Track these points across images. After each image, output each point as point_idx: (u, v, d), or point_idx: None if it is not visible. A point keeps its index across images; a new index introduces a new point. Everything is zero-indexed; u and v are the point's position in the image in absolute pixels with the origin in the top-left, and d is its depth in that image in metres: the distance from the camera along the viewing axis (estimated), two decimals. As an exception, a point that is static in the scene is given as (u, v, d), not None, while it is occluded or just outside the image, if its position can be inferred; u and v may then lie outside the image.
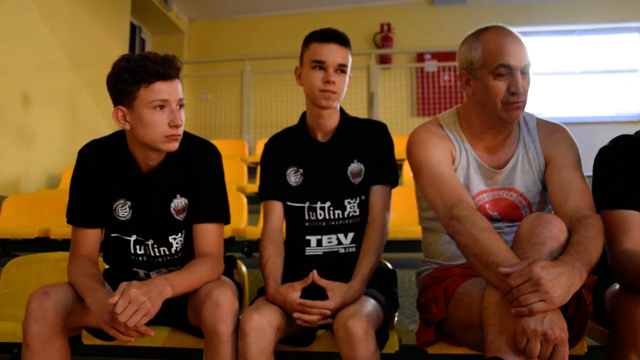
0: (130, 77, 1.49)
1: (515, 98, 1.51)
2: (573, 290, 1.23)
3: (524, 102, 1.54)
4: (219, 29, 8.24)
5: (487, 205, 1.63)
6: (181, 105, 1.56)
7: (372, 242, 1.72)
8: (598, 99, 7.20)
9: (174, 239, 1.67)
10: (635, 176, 1.52)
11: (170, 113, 1.53)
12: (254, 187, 1.77)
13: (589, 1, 7.55)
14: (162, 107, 1.51)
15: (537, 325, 1.18)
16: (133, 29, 7.55)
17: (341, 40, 1.74)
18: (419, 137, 1.65)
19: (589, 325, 1.67)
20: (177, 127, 1.53)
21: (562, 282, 1.20)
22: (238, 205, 3.16)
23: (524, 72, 1.52)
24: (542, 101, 7.07)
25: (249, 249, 3.25)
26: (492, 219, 1.59)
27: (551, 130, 1.65)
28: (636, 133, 1.62)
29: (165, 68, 1.51)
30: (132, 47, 7.38)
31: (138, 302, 1.33)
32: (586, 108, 7.25)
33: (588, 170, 1.59)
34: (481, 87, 1.55)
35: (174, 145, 1.56)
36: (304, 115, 1.87)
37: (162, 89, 1.51)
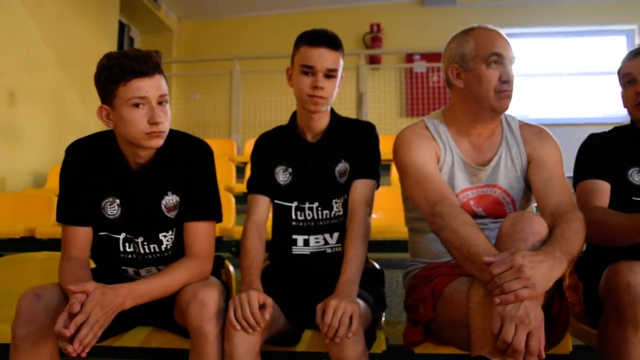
0: (108, 76, 1.48)
1: (506, 86, 1.59)
2: (554, 278, 1.26)
3: (512, 93, 1.61)
4: (209, 28, 8.20)
5: (471, 202, 1.66)
6: (163, 102, 1.53)
7: (356, 233, 1.68)
8: (585, 100, 7.25)
9: (165, 236, 1.66)
10: (613, 155, 1.76)
11: (149, 110, 1.50)
12: (242, 187, 1.77)
13: (577, 3, 7.61)
14: (141, 104, 1.49)
15: (512, 309, 1.19)
16: (122, 27, 7.50)
17: (331, 43, 1.72)
18: (404, 138, 1.68)
19: (574, 324, 1.70)
20: (157, 124, 1.51)
21: (542, 269, 1.23)
22: (226, 205, 3.15)
23: (511, 65, 1.61)
24: (530, 102, 7.10)
25: (237, 248, 3.23)
26: (477, 216, 1.63)
27: (534, 132, 1.71)
28: (619, 126, 1.85)
29: (142, 65, 1.48)
30: (120, 45, 7.33)
31: (95, 323, 1.32)
32: (573, 109, 7.30)
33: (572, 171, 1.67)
34: (474, 77, 1.60)
35: (158, 142, 1.55)
36: (294, 115, 1.87)
37: (139, 86, 1.48)
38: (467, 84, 1.63)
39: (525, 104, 7.06)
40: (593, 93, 7.14)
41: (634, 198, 1.71)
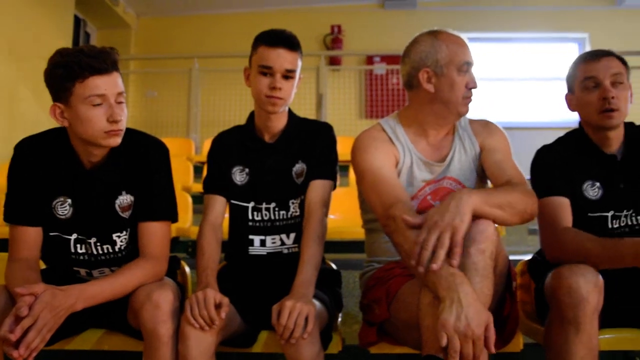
0: (64, 73, 1.44)
1: (471, 93, 1.67)
2: (468, 208, 1.33)
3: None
4: (168, 26, 8.08)
5: (429, 197, 1.70)
6: (121, 100, 1.51)
7: (312, 233, 1.68)
8: (539, 105, 7.45)
9: (118, 237, 1.62)
10: (568, 169, 1.72)
11: (108, 108, 1.47)
12: (200, 187, 1.74)
13: (532, 11, 7.83)
14: (99, 102, 1.46)
15: (455, 322, 1.22)
16: (77, 22, 7.31)
17: (290, 44, 1.71)
18: (362, 143, 1.70)
19: (525, 323, 1.74)
20: (116, 122, 1.48)
21: (444, 209, 1.34)
22: (183, 205, 3.12)
23: None
24: (485, 106, 7.25)
25: (194, 249, 3.18)
26: None
27: (482, 124, 1.78)
28: (567, 134, 1.82)
29: (100, 62, 1.45)
30: (76, 41, 7.14)
31: (44, 326, 1.29)
32: (527, 114, 7.48)
33: (526, 172, 1.69)
34: (447, 83, 1.64)
35: (116, 141, 1.52)
36: (252, 115, 1.86)
37: (98, 84, 1.45)
38: (438, 89, 1.65)
39: (481, 108, 7.19)
40: (546, 98, 7.33)
41: (589, 214, 1.71)
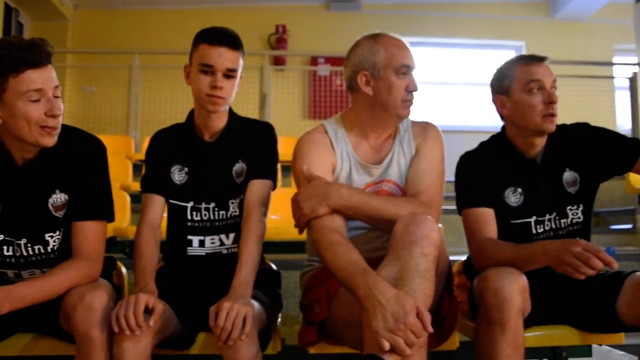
0: None
1: (411, 96, 1.66)
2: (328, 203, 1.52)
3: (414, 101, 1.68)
4: (107, 19, 7.85)
5: None
6: (57, 94, 1.45)
7: (250, 233, 1.66)
8: (478, 109, 7.67)
9: (51, 237, 1.56)
10: (491, 177, 1.74)
11: (47, 102, 1.41)
12: (139, 186, 1.70)
13: (473, 18, 8.10)
14: (37, 98, 1.40)
15: (385, 325, 1.25)
16: (8, 10, 6.99)
17: (232, 43, 1.69)
18: (302, 147, 1.71)
19: (462, 322, 1.79)
20: (55, 116, 1.43)
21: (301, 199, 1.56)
22: (121, 204, 3.05)
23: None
24: (426, 109, 7.40)
25: (131, 249, 3.09)
26: None
27: (422, 127, 1.78)
28: (490, 138, 1.84)
29: (35, 54, 1.39)
30: (7, 31, 6.83)
31: None
32: (467, 117, 7.70)
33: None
34: (384, 86, 1.64)
35: (53, 140, 1.46)
36: (191, 113, 1.83)
37: (34, 78, 1.39)
38: (376, 92, 1.65)
39: (422, 111, 7.35)
40: (484, 103, 7.57)
41: (512, 221, 1.74)
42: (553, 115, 1.68)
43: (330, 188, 1.57)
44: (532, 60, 1.72)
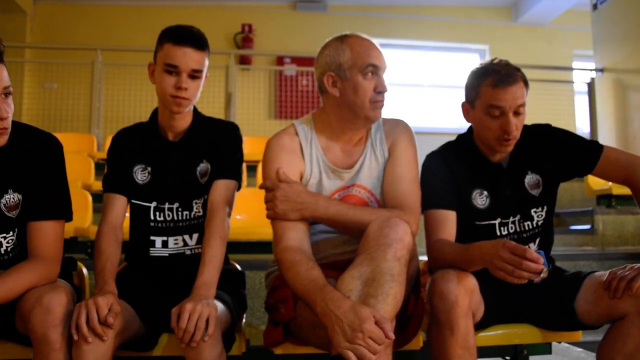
0: None
1: (381, 97, 1.63)
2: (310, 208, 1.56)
3: (384, 102, 1.65)
4: (69, 14, 7.66)
5: None
6: (7, 94, 1.41)
7: (214, 233, 1.64)
8: (443, 111, 7.78)
9: (4, 238, 1.51)
10: (455, 179, 1.75)
11: None
12: (101, 185, 1.66)
13: (439, 20, 8.21)
14: None
15: (345, 338, 1.28)
16: (-37, 4, 6.77)
17: (197, 43, 1.65)
18: (271, 152, 1.68)
19: (425, 321, 1.80)
20: (2, 119, 1.39)
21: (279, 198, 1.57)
22: (83, 204, 2.98)
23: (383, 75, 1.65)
24: (394, 111, 7.47)
25: (93, 250, 3.05)
26: None
27: (393, 124, 1.77)
28: (457, 139, 1.85)
29: None
30: (-39, 25, 6.62)
31: None
32: (432, 119, 7.79)
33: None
34: (350, 87, 1.62)
35: (2, 140, 1.42)
36: (155, 112, 1.80)
37: None
38: (343, 93, 1.63)
39: (390, 112, 7.41)
40: (450, 104, 7.68)
41: (476, 222, 1.75)
42: (508, 140, 1.66)
43: (308, 199, 1.58)
44: (499, 84, 1.64)
